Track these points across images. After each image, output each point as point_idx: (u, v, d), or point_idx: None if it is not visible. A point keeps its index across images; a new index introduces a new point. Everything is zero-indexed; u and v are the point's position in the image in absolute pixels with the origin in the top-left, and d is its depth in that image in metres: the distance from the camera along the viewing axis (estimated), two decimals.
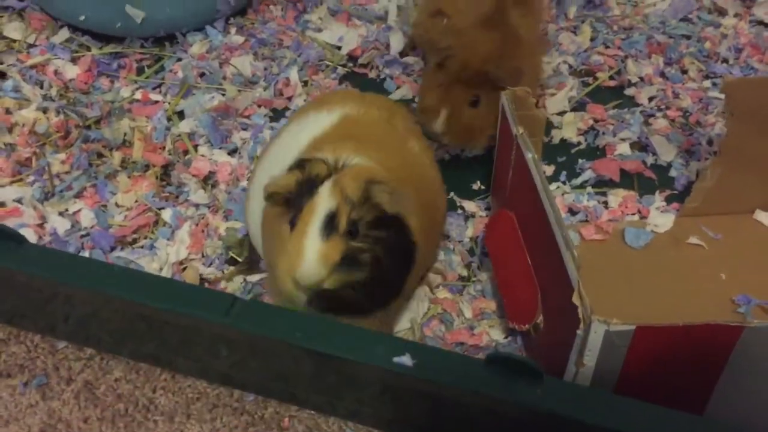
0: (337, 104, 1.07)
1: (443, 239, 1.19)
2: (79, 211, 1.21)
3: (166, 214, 1.21)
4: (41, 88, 1.43)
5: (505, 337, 1.07)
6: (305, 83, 1.49)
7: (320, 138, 1.01)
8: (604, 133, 1.37)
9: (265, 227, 0.98)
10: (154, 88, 1.46)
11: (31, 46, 1.53)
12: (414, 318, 1.08)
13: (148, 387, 1.02)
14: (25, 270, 0.94)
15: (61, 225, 1.18)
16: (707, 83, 1.49)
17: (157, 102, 1.42)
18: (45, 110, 1.37)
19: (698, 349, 0.85)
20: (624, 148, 1.33)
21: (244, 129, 1.38)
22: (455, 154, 1.36)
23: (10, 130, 1.33)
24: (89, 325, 1.02)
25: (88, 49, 1.53)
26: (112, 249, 1.17)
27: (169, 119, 1.38)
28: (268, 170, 1.01)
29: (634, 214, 1.22)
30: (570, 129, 1.38)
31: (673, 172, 1.30)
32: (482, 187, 1.30)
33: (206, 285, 1.12)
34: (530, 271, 1.01)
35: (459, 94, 1.19)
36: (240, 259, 1.16)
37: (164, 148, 1.33)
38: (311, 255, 0.84)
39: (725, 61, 1.55)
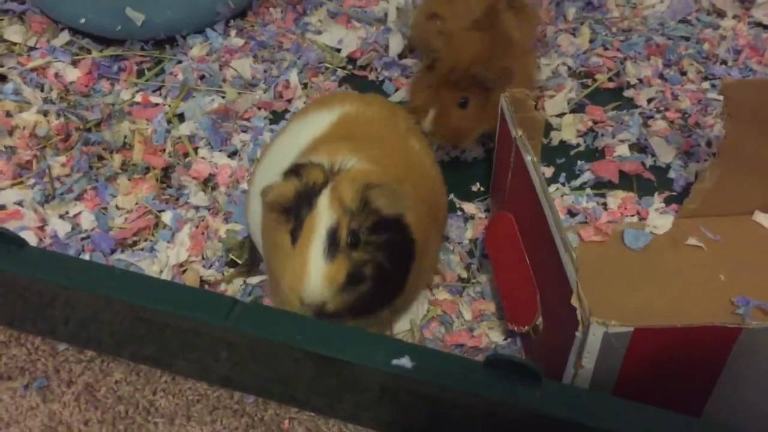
0: (337, 104, 1.07)
1: (443, 240, 1.19)
2: (80, 213, 1.22)
3: (167, 217, 1.21)
4: (42, 91, 1.44)
5: (505, 339, 1.07)
6: (305, 85, 1.49)
7: (320, 138, 1.01)
8: (603, 135, 1.37)
9: (266, 230, 0.99)
10: (154, 91, 1.47)
11: (31, 49, 1.54)
12: (413, 320, 1.08)
13: (148, 389, 1.02)
14: (25, 273, 0.94)
15: (62, 228, 1.19)
16: (706, 85, 1.49)
17: (157, 104, 1.43)
18: (45, 113, 1.37)
19: (697, 350, 0.84)
20: (623, 150, 1.33)
21: (244, 131, 1.38)
22: (455, 156, 1.36)
23: (10, 133, 1.33)
24: (90, 327, 1.02)
25: (89, 51, 1.54)
26: (113, 251, 1.17)
27: (169, 122, 1.39)
28: (269, 170, 1.01)
29: (633, 215, 1.22)
30: (569, 131, 1.38)
31: (672, 174, 1.30)
32: (481, 189, 1.30)
33: (206, 287, 1.13)
34: (529, 272, 1.01)
35: (447, 95, 1.20)
36: (240, 262, 1.16)
37: (164, 150, 1.33)
38: (316, 276, 0.84)
39: (724, 62, 1.55)
